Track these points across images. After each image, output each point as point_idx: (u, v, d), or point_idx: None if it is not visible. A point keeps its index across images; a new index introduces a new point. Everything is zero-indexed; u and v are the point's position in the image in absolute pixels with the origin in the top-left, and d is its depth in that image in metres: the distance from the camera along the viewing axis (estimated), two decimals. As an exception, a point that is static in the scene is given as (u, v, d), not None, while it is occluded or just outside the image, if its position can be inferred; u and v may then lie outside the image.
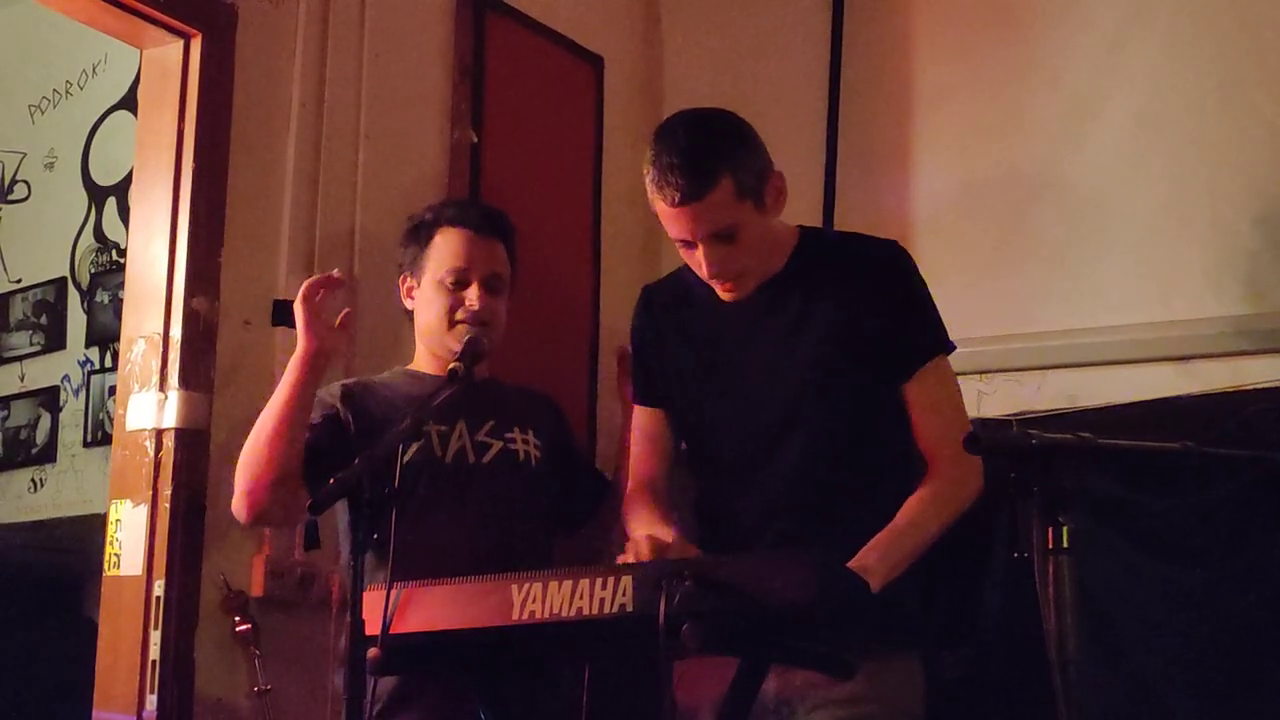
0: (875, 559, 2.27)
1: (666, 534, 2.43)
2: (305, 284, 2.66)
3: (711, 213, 2.40)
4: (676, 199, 2.39)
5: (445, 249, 2.81)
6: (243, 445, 2.67)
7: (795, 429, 2.49)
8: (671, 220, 2.44)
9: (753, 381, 2.54)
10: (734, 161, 2.41)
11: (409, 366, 2.90)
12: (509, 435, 2.82)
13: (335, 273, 2.71)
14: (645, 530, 2.44)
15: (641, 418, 2.72)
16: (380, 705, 2.54)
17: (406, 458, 2.55)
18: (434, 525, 2.63)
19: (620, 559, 2.26)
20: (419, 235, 2.86)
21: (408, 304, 2.88)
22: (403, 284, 2.89)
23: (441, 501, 2.69)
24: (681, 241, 2.48)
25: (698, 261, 2.48)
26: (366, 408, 2.74)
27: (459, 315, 2.77)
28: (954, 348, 2.55)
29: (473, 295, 2.77)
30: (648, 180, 2.44)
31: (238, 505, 2.65)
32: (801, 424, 2.49)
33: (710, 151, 2.40)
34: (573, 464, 2.98)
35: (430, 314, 2.81)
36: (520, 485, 2.80)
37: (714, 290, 2.57)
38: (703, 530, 2.58)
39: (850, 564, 2.23)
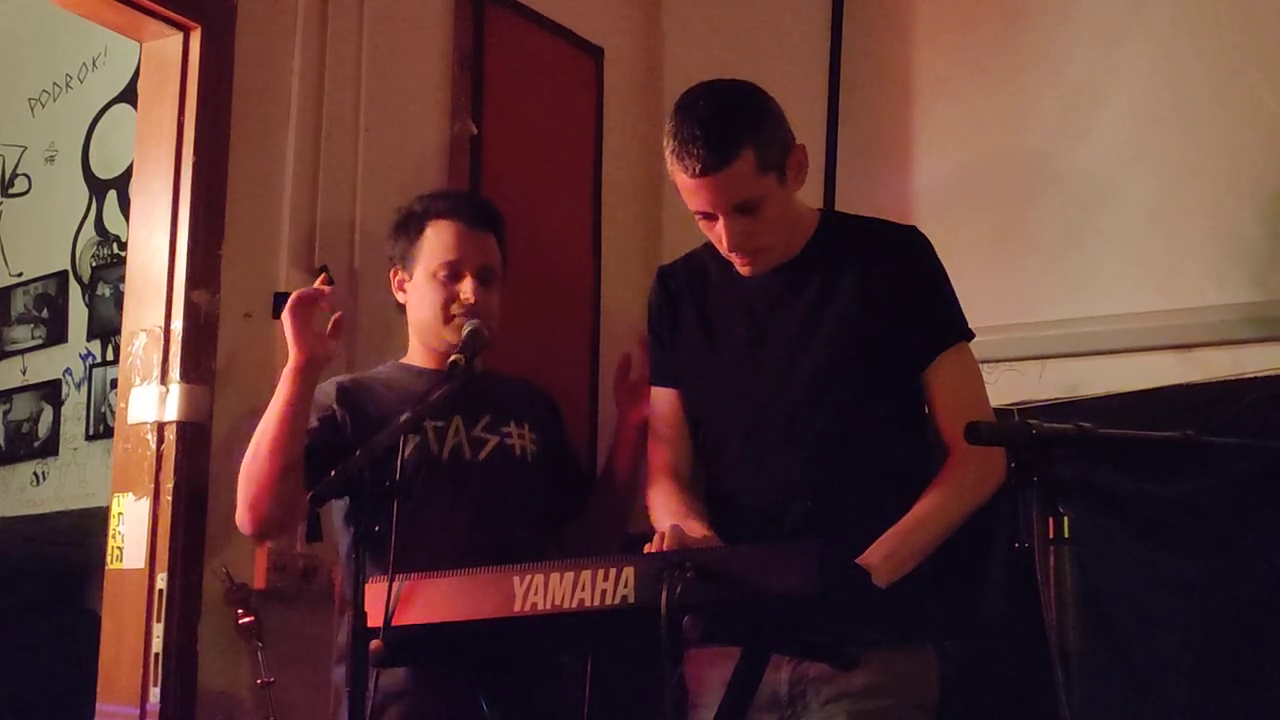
0: (880, 557, 2.25)
1: (693, 527, 2.37)
2: (293, 297, 2.64)
3: (733, 185, 2.37)
4: (697, 170, 2.35)
5: (437, 242, 2.78)
6: (244, 438, 2.67)
7: (812, 413, 2.47)
8: (692, 192, 2.40)
9: (769, 363, 2.51)
10: (756, 133, 2.37)
11: (403, 360, 2.89)
12: (505, 430, 2.80)
13: (320, 283, 2.68)
14: (671, 521, 2.39)
15: (659, 401, 2.68)
16: (381, 697, 2.54)
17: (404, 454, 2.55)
18: (430, 522, 2.61)
19: (646, 550, 2.24)
20: (409, 228, 2.83)
21: (399, 297, 2.86)
22: (394, 277, 2.87)
23: (438, 499, 2.68)
24: (701, 214, 2.44)
25: (718, 235, 2.45)
26: (363, 407, 2.73)
27: (454, 309, 2.75)
28: (973, 335, 2.53)
29: (467, 289, 2.75)
30: (668, 152, 2.39)
31: (242, 518, 2.63)
32: (818, 408, 2.46)
33: (732, 123, 2.36)
34: (563, 460, 2.96)
35: (424, 308, 2.79)
36: (516, 481, 2.78)
37: (730, 270, 2.54)
38: (714, 516, 2.53)
39: (858, 560, 2.21)
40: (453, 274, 2.77)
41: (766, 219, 2.43)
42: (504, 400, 2.85)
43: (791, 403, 2.48)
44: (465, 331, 2.67)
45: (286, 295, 2.99)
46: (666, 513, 2.51)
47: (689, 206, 2.46)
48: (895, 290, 2.47)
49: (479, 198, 3.17)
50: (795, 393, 2.48)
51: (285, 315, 2.62)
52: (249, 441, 2.63)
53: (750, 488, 2.51)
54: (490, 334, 2.72)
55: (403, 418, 2.33)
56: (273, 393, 2.65)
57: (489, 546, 2.59)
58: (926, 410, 2.52)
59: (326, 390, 2.74)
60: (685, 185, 2.41)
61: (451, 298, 2.76)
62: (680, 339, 2.64)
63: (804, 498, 2.45)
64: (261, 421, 2.63)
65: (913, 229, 2.59)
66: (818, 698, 2.39)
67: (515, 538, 2.70)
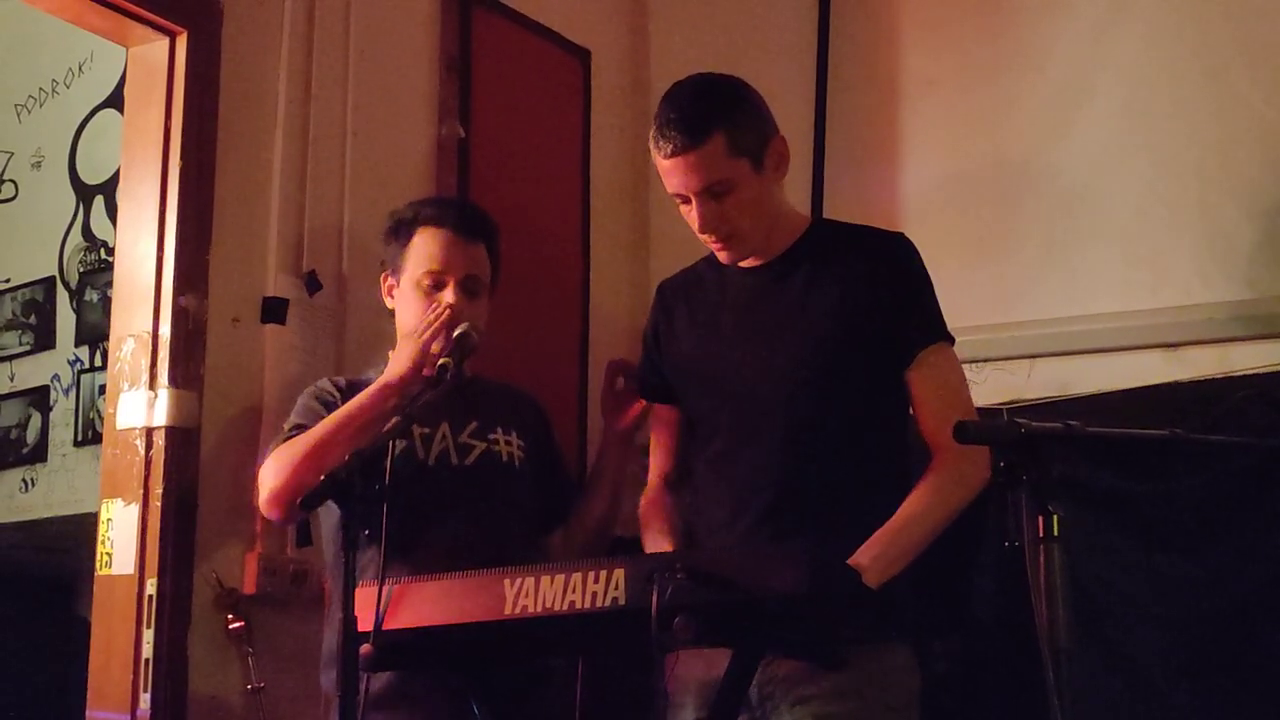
0: (870, 557, 2.26)
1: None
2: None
3: (703, 166, 2.45)
4: (670, 150, 2.46)
5: (423, 250, 2.77)
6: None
7: (793, 405, 2.49)
8: (667, 173, 2.50)
9: (753, 358, 2.55)
10: (729, 118, 2.47)
11: (391, 365, 2.89)
12: (492, 436, 2.80)
13: None
14: (651, 546, 2.51)
15: (658, 413, 2.76)
16: (372, 702, 2.53)
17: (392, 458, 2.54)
18: (418, 528, 2.61)
19: None
20: (399, 234, 2.82)
21: (388, 302, 2.85)
22: (384, 282, 2.86)
23: (425, 504, 2.66)
24: (678, 197, 2.52)
25: (693, 218, 2.52)
26: None
27: None
28: (954, 339, 2.55)
29: (447, 298, 2.73)
30: (650, 137, 2.50)
31: (276, 498, 2.58)
32: (800, 401, 2.49)
33: (707, 107, 2.48)
34: (550, 466, 2.95)
35: (408, 316, 2.77)
36: (504, 487, 2.78)
37: (723, 273, 2.61)
38: (699, 509, 2.59)
39: (848, 561, 2.22)
40: (436, 283, 2.75)
41: (738, 203, 2.49)
42: (491, 406, 2.85)
43: (773, 399, 2.52)
44: (454, 335, 2.66)
45: (274, 298, 2.99)
46: (648, 532, 2.61)
47: (667, 190, 2.54)
48: (878, 290, 2.51)
49: (471, 206, 3.14)
50: (780, 388, 2.52)
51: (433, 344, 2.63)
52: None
53: (732, 482, 2.54)
54: (478, 338, 2.71)
55: (390, 421, 2.33)
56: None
57: (476, 552, 2.57)
58: (909, 412, 2.54)
59: (329, 389, 2.73)
60: (661, 167, 2.50)
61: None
62: (674, 344, 2.69)
63: (777, 488, 2.48)
64: (333, 416, 2.62)
65: (899, 235, 2.63)
66: (786, 699, 2.39)
67: (503, 543, 2.68)
